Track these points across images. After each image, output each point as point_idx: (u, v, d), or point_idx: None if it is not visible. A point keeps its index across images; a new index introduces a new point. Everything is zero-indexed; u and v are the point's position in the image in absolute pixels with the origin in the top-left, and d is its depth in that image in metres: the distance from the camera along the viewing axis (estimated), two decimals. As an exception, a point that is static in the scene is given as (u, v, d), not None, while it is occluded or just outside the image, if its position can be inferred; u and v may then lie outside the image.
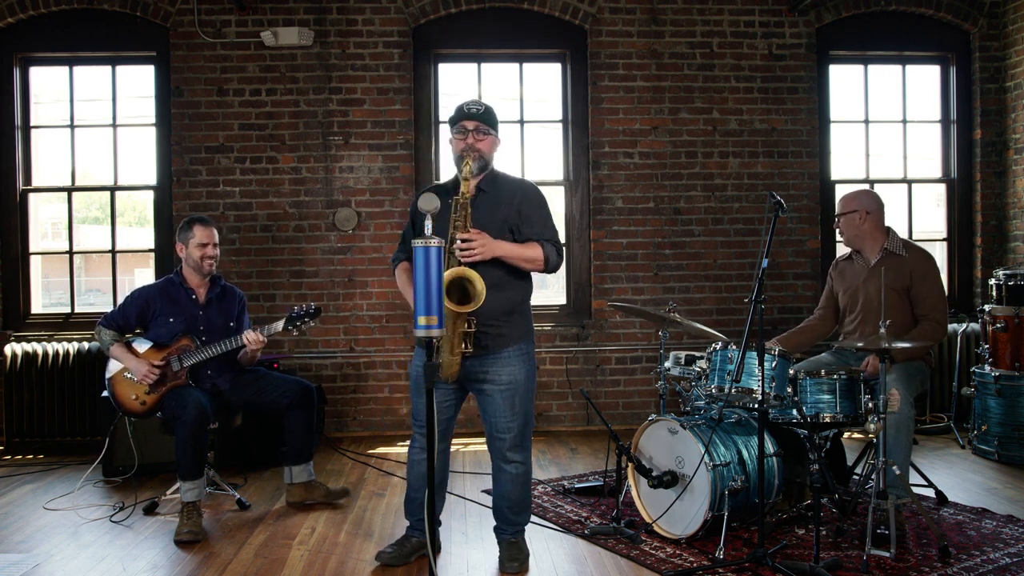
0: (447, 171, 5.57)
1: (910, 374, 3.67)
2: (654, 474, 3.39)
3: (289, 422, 3.98)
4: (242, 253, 5.54)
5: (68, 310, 5.65)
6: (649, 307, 4.57)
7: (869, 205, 3.88)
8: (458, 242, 2.93)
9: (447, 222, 2.97)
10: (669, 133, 5.69)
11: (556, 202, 6.10)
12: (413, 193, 5.43)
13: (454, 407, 3.24)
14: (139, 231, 7.66)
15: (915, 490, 3.69)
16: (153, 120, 5.61)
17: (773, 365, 3.32)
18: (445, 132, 5.55)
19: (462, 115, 3.11)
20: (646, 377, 5.65)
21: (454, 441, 5.31)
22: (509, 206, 3.11)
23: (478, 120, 3.09)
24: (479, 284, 2.86)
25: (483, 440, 3.47)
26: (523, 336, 3.16)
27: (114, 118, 5.63)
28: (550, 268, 3.15)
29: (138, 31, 5.54)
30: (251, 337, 3.89)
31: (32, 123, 5.65)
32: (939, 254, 6.02)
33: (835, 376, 3.43)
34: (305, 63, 5.54)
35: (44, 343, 5.32)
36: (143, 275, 6.28)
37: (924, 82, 6.07)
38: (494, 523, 3.32)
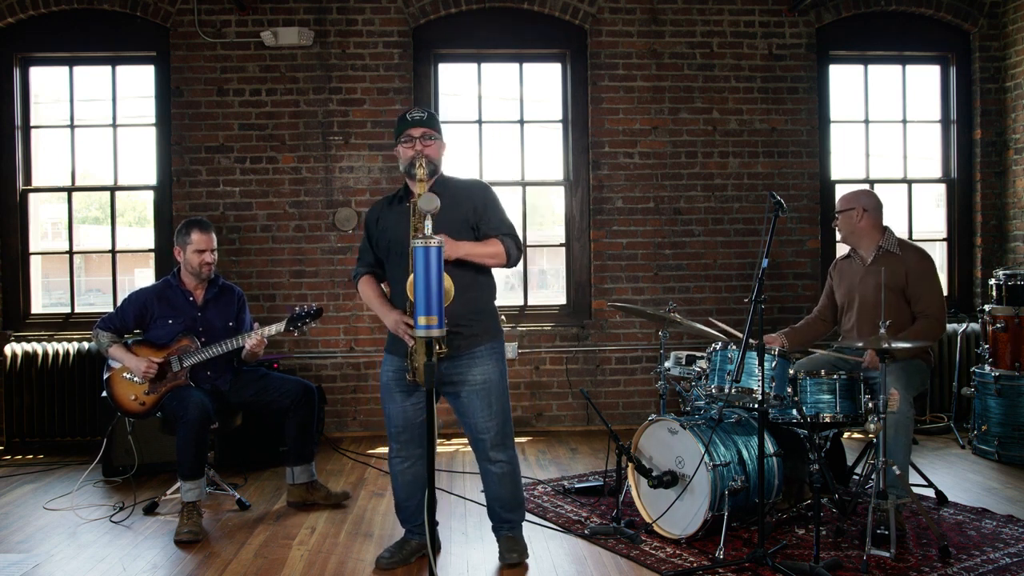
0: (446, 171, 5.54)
1: (909, 373, 3.66)
2: (654, 474, 3.39)
3: (290, 423, 3.97)
4: (242, 253, 5.54)
5: (68, 310, 5.65)
6: (649, 307, 4.57)
7: (867, 203, 3.89)
8: None
9: (404, 230, 2.96)
10: (669, 133, 5.69)
11: (556, 202, 6.10)
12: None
13: (425, 411, 3.22)
14: (139, 231, 7.65)
15: (915, 490, 3.69)
16: (153, 120, 5.60)
17: (773, 365, 3.32)
18: (446, 133, 5.52)
19: (407, 124, 3.13)
20: (646, 377, 5.65)
21: (454, 441, 5.36)
22: (466, 206, 3.13)
23: (423, 127, 3.11)
24: (447, 282, 2.86)
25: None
26: (493, 335, 3.19)
27: (114, 118, 5.63)
28: (512, 262, 3.18)
29: (138, 31, 5.53)
30: (254, 339, 3.92)
31: (32, 123, 5.65)
32: (939, 254, 6.02)
33: (835, 376, 3.43)
34: (305, 63, 5.54)
35: (44, 343, 5.32)
36: (143, 275, 6.28)
37: (924, 82, 6.07)
38: (490, 523, 3.33)
